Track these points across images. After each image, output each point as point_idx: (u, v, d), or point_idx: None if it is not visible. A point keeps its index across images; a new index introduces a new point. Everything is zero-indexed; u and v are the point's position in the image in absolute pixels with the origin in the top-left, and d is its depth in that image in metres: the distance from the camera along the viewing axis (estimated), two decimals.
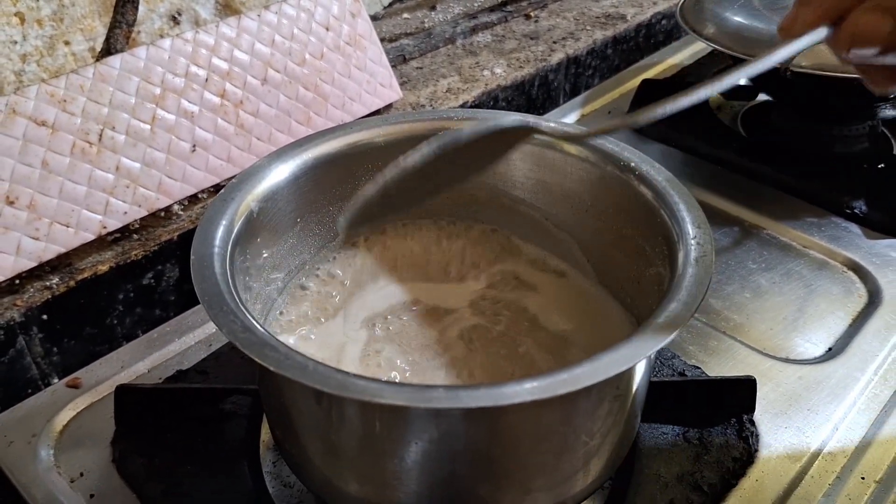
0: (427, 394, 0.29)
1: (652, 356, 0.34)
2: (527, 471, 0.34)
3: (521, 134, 0.38)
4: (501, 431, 0.32)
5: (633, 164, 0.41)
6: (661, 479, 0.42)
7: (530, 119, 0.40)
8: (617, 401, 0.34)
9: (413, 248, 0.49)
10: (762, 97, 0.77)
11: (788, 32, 0.36)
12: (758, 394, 0.48)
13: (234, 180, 0.40)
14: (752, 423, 0.46)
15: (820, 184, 0.65)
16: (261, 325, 0.32)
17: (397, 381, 0.40)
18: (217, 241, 0.36)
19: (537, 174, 0.45)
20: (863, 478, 0.45)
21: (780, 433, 0.47)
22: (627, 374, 0.33)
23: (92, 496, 0.44)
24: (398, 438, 0.32)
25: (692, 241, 0.36)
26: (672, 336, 0.30)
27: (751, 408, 0.46)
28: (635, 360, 0.29)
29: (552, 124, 0.41)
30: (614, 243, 0.43)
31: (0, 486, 0.45)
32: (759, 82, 0.69)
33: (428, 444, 0.32)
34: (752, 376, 0.46)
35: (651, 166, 0.41)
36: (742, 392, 0.46)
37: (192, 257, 0.35)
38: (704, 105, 0.76)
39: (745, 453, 0.45)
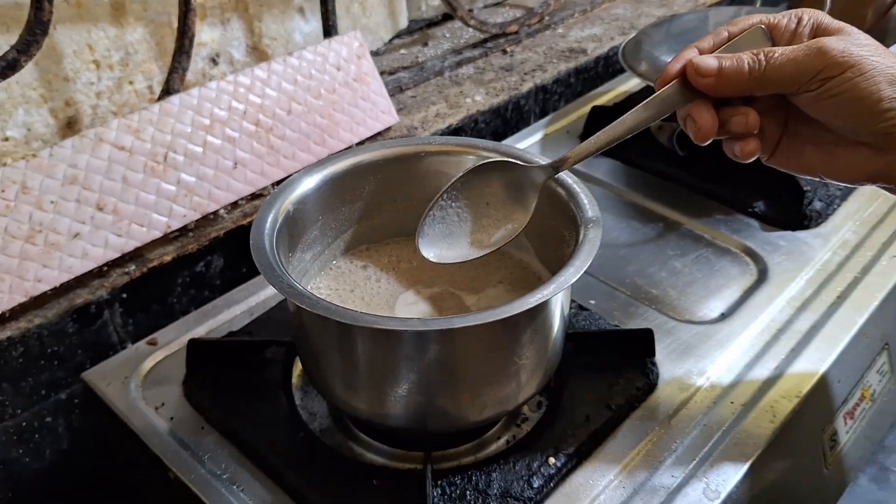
0: (409, 322, 0.46)
1: (553, 301, 0.50)
2: (476, 381, 0.51)
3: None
4: (457, 350, 0.49)
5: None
6: (583, 400, 0.59)
7: (510, 156, 0.57)
8: (536, 332, 0.50)
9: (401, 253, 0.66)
10: None
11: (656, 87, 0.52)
12: (662, 345, 0.65)
13: (276, 189, 0.57)
14: (654, 364, 0.63)
15: (729, 189, 0.82)
16: (298, 284, 0.49)
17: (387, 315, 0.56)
18: (266, 231, 0.53)
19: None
20: (731, 402, 0.61)
21: (675, 372, 0.63)
22: (537, 312, 0.49)
23: (171, 419, 0.60)
24: (389, 356, 0.48)
25: (589, 225, 0.52)
26: (561, 289, 0.47)
27: (651, 352, 0.62)
28: (534, 303, 0.46)
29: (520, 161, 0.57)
30: (546, 231, 0.59)
31: (105, 413, 0.62)
32: None
33: (409, 360, 0.48)
34: (650, 329, 0.62)
35: (566, 174, 0.57)
36: (644, 340, 0.62)
37: (251, 241, 0.52)
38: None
39: (646, 385, 0.61)
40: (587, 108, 0.95)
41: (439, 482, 0.53)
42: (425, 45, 1.08)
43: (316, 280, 0.61)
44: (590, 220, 0.52)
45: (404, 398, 0.51)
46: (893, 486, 0.81)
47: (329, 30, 0.87)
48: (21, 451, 0.68)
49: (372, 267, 0.64)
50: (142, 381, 0.63)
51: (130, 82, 0.81)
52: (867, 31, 1.23)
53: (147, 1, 0.79)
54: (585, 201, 0.54)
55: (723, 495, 0.54)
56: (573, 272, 0.48)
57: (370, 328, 0.46)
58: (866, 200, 0.81)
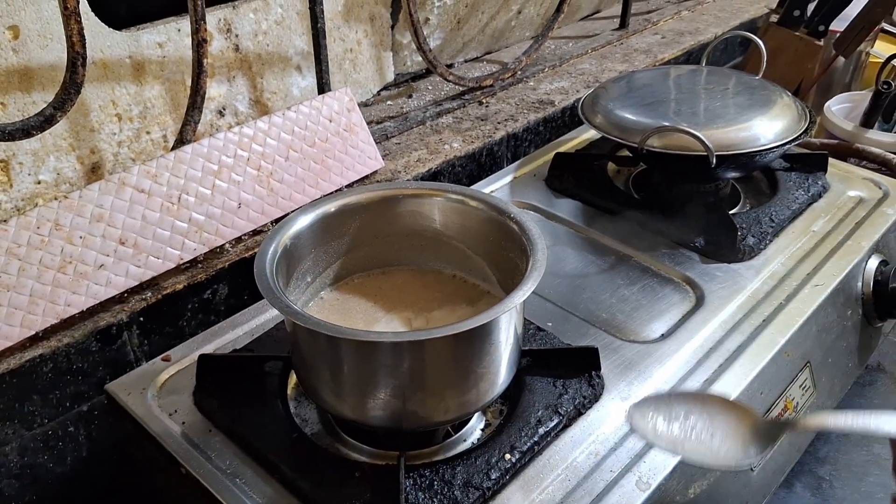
0: (384, 335, 0.57)
1: (503, 319, 0.60)
2: (441, 386, 0.61)
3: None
4: (425, 360, 0.59)
5: (507, 210, 0.69)
6: (535, 406, 0.69)
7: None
8: (491, 345, 0.61)
9: (382, 284, 0.76)
10: None
11: None
12: (608, 361, 0.74)
13: (275, 226, 0.67)
14: (599, 377, 0.73)
15: (674, 226, 0.92)
16: (294, 305, 0.59)
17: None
18: (267, 261, 0.63)
19: (460, 220, 0.73)
20: None
21: (619, 384, 0.73)
22: (490, 328, 0.59)
23: (183, 423, 0.70)
24: (369, 364, 0.59)
25: (537, 256, 0.63)
26: (510, 308, 0.57)
27: (597, 367, 0.72)
28: (484, 320, 0.56)
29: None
30: (504, 260, 0.70)
31: (127, 419, 0.72)
32: (635, 155, 0.96)
33: (385, 368, 0.59)
34: (595, 347, 0.72)
35: (519, 212, 0.68)
36: (590, 357, 0.72)
37: (255, 269, 0.62)
38: (602, 170, 1.04)
39: (592, 395, 0.71)
40: (551, 154, 1.06)
41: (411, 474, 0.63)
42: (409, 96, 1.20)
43: (309, 304, 0.71)
44: (537, 253, 0.63)
45: (382, 401, 0.61)
46: (826, 494, 0.90)
47: (323, 86, 0.98)
48: (46, 457, 0.78)
49: (355, 294, 0.74)
50: (158, 392, 0.73)
51: (147, 132, 0.92)
52: (812, 84, 1.39)
53: (163, 62, 0.90)
54: (534, 236, 0.65)
55: (653, 486, 0.64)
56: (516, 298, 0.58)
57: (353, 340, 0.57)
58: (795, 238, 0.92)
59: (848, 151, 1.22)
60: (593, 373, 0.72)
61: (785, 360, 0.79)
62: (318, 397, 0.65)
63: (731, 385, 0.73)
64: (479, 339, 0.60)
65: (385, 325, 0.71)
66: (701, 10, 1.65)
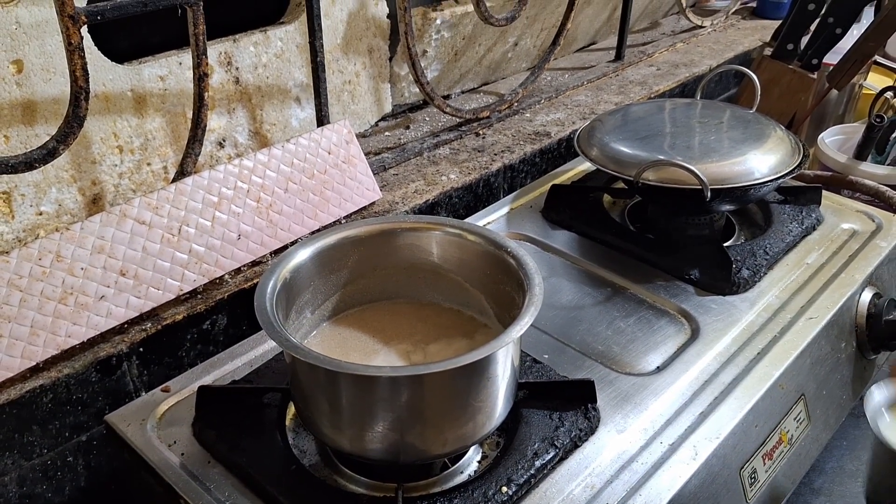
0: (382, 369, 0.57)
1: (500, 353, 0.61)
2: (439, 420, 0.61)
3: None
4: (423, 393, 0.59)
5: (505, 245, 0.70)
6: (532, 439, 0.69)
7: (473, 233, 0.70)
8: (488, 379, 0.61)
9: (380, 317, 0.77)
10: None
11: None
12: (604, 394, 0.75)
13: (275, 260, 0.68)
14: (596, 409, 0.73)
15: (670, 258, 0.93)
16: (293, 338, 0.60)
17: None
18: (267, 295, 0.64)
19: (458, 253, 0.74)
20: (661, 442, 0.71)
21: (614, 417, 0.74)
22: (487, 363, 0.60)
23: (182, 454, 0.70)
24: (367, 398, 0.59)
25: (534, 291, 0.64)
26: (507, 343, 0.58)
27: (593, 399, 0.73)
28: (483, 355, 0.57)
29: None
30: (501, 294, 0.70)
31: (126, 451, 0.72)
32: (631, 188, 0.97)
33: (383, 402, 0.59)
34: (592, 380, 0.73)
35: (516, 246, 0.69)
36: (586, 389, 0.73)
37: (255, 303, 0.63)
38: (598, 202, 1.05)
39: (588, 428, 0.72)
40: (548, 186, 1.08)
41: None
42: (407, 128, 1.21)
43: (308, 336, 0.72)
44: (534, 288, 0.64)
45: (380, 434, 0.61)
46: None
47: (322, 119, 1.00)
48: (45, 487, 0.78)
49: (354, 326, 0.75)
50: (157, 423, 0.74)
51: (148, 164, 0.93)
52: (806, 116, 1.40)
53: (165, 95, 0.92)
54: (531, 271, 0.66)
55: None
56: (513, 332, 0.59)
57: (352, 374, 0.57)
58: (789, 270, 0.93)
59: (841, 183, 1.24)
60: (589, 405, 0.73)
61: (779, 393, 0.79)
62: (316, 430, 0.66)
63: (727, 418, 0.73)
64: (477, 373, 0.60)
65: (383, 357, 0.71)
66: (696, 43, 1.67)
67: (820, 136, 1.35)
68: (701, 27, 1.74)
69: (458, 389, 0.60)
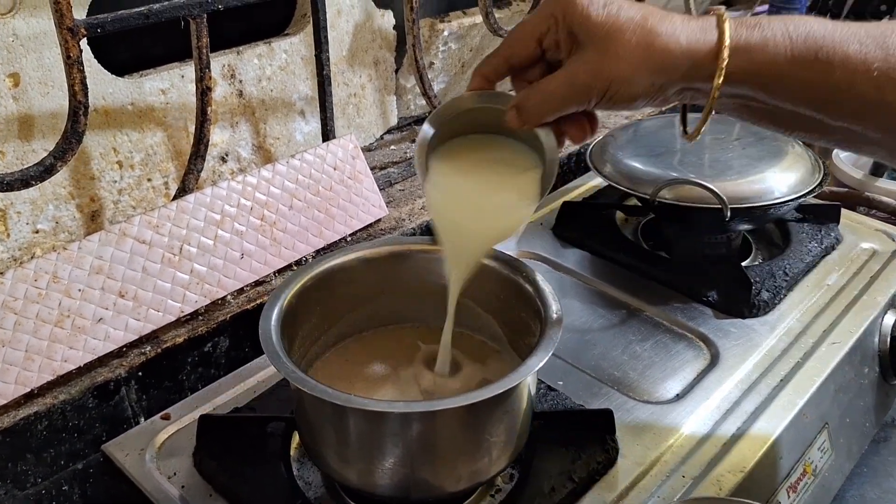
0: (394, 404, 0.54)
1: (518, 387, 0.58)
2: (453, 456, 0.58)
3: None
4: (436, 429, 0.57)
5: (521, 269, 0.67)
6: (548, 472, 0.66)
7: None
8: (505, 413, 0.58)
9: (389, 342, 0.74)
10: None
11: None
12: (622, 423, 0.72)
13: (279, 285, 0.65)
14: (614, 440, 0.70)
15: (686, 279, 0.91)
16: (300, 370, 0.57)
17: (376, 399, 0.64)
18: (272, 323, 0.61)
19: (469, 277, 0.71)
20: (683, 476, 0.68)
21: (633, 448, 0.71)
22: (504, 397, 0.57)
23: (183, 487, 0.67)
24: (377, 433, 0.56)
25: (552, 320, 0.61)
26: (526, 376, 0.55)
27: (611, 431, 0.70)
28: (500, 390, 0.54)
29: None
30: (515, 319, 0.67)
31: (124, 481, 0.69)
32: (646, 206, 0.94)
33: (394, 437, 0.56)
34: (610, 409, 0.70)
35: (533, 271, 0.66)
36: (604, 420, 0.70)
37: (260, 332, 0.60)
38: (611, 220, 1.02)
39: (606, 460, 0.69)
40: (560, 202, 1.05)
41: None
42: (413, 141, 1.19)
43: (314, 363, 0.69)
44: (552, 317, 0.61)
45: (390, 470, 0.58)
46: None
47: (327, 133, 0.97)
48: None
49: (362, 352, 0.72)
50: (156, 453, 0.71)
51: (149, 180, 0.90)
52: None
53: (166, 108, 0.89)
54: (550, 298, 0.63)
55: None
56: (532, 364, 0.56)
57: (361, 409, 0.54)
58: (809, 292, 0.90)
59: (857, 200, 1.21)
60: (607, 436, 0.70)
61: (804, 422, 0.76)
62: (323, 463, 0.63)
63: (751, 450, 0.70)
64: (494, 407, 0.57)
65: (392, 385, 0.69)
66: None
67: (834, 152, 1.32)
68: None
69: (473, 425, 0.57)
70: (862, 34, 0.50)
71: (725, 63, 0.50)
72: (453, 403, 0.53)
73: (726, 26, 0.51)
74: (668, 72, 0.52)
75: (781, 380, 0.79)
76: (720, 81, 0.51)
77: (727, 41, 0.50)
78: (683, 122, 0.63)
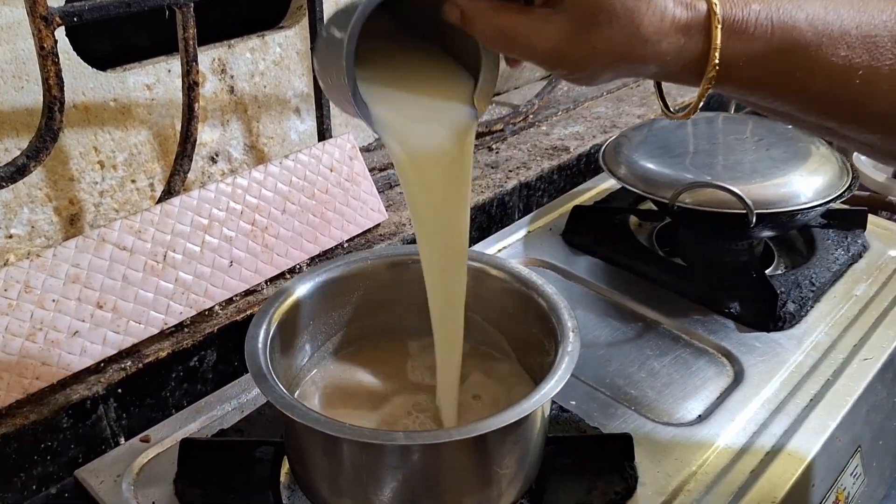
0: (393, 435, 0.48)
1: (532, 415, 0.52)
2: (458, 490, 0.53)
3: None
4: (440, 462, 0.51)
5: (533, 283, 0.61)
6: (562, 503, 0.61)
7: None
8: (516, 443, 0.53)
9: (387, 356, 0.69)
10: None
11: None
12: (641, 447, 0.66)
13: (269, 297, 0.60)
14: (633, 467, 0.64)
15: (706, 289, 0.85)
16: (288, 394, 0.51)
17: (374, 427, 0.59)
18: (260, 341, 0.55)
19: (476, 289, 0.65)
20: None
21: (654, 475, 0.65)
22: (516, 426, 0.51)
23: None
24: (374, 465, 0.51)
25: (569, 340, 0.55)
26: (534, 409, 0.49)
27: (630, 457, 0.64)
28: (512, 419, 0.48)
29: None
30: (525, 336, 0.62)
31: None
32: (663, 210, 0.89)
33: (393, 470, 0.50)
34: (629, 434, 0.64)
35: (546, 284, 0.60)
36: (622, 445, 0.64)
37: (245, 350, 0.54)
38: (625, 225, 0.97)
39: (625, 489, 0.63)
40: (570, 206, 0.99)
41: None
42: None
43: (306, 380, 0.63)
44: (568, 336, 0.55)
45: (388, 502, 0.52)
46: None
47: (323, 132, 0.91)
48: None
49: (358, 367, 0.67)
50: (134, 479, 0.65)
51: (133, 181, 0.85)
52: None
53: (152, 105, 0.83)
54: (566, 317, 0.57)
55: None
56: (546, 393, 0.50)
57: (358, 441, 0.48)
58: (837, 303, 0.85)
59: (880, 204, 1.15)
60: (626, 463, 0.64)
61: (836, 446, 0.71)
62: (314, 495, 0.57)
63: (782, 477, 0.65)
64: (504, 438, 0.52)
65: (391, 405, 0.63)
66: None
67: (855, 154, 1.26)
68: None
69: (481, 456, 0.52)
70: (853, 34, 0.44)
71: (713, 75, 0.44)
72: (459, 435, 0.48)
73: (717, 32, 0.44)
74: (642, 73, 0.46)
75: (811, 399, 0.73)
76: (707, 87, 0.45)
77: (716, 44, 0.44)
78: (662, 98, 0.56)
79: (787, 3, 0.44)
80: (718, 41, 0.43)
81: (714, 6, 0.43)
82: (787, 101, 0.47)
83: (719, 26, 0.43)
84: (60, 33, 0.70)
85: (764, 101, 0.47)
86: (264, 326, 0.57)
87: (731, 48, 0.44)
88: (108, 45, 0.82)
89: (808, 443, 0.68)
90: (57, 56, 0.66)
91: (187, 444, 0.64)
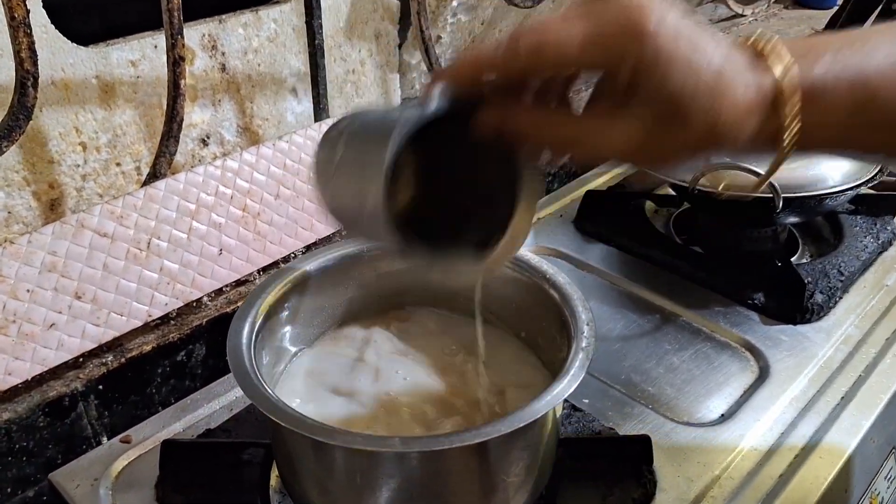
0: (389, 442, 0.43)
1: (545, 418, 0.48)
2: (460, 500, 0.48)
3: None
4: (439, 469, 0.46)
5: (546, 274, 0.56)
6: None
7: None
8: (525, 448, 0.48)
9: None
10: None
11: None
12: (660, 450, 0.61)
13: (255, 289, 0.55)
14: (651, 472, 0.60)
15: (727, 278, 0.80)
16: (274, 395, 0.46)
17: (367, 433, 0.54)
18: (244, 336, 0.51)
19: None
20: None
21: (674, 480, 0.60)
22: (525, 430, 0.46)
23: None
24: (368, 473, 0.46)
25: (583, 335, 0.50)
26: (545, 411, 0.44)
27: (649, 461, 0.59)
28: (521, 423, 0.43)
29: None
30: (534, 330, 0.57)
31: None
32: (681, 195, 0.83)
33: (389, 478, 0.46)
34: (648, 436, 0.59)
35: (558, 274, 0.55)
36: (640, 448, 0.59)
37: (227, 347, 0.49)
38: (640, 211, 0.91)
39: (643, 495, 0.58)
40: (582, 191, 0.94)
41: None
42: None
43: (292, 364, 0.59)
44: (583, 331, 0.50)
45: None
46: None
47: (320, 113, 0.86)
48: None
49: (353, 353, 0.62)
50: (112, 484, 0.60)
51: (118, 164, 0.80)
52: None
53: (137, 83, 0.78)
54: (580, 311, 0.52)
55: None
56: (558, 394, 0.45)
57: (349, 449, 0.44)
58: (867, 294, 0.79)
59: None
60: (644, 467, 0.59)
61: (870, 448, 0.65)
62: (303, 501, 0.52)
63: (814, 482, 0.60)
64: (511, 443, 0.47)
65: (386, 394, 0.58)
66: (736, 32, 1.53)
67: None
68: (742, 16, 1.59)
69: (486, 464, 0.47)
70: None
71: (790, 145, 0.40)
72: (461, 441, 0.43)
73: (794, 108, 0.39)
74: (720, 155, 0.41)
75: (843, 397, 0.68)
76: (784, 157, 0.40)
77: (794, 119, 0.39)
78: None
79: (857, 52, 0.40)
80: (797, 116, 0.39)
81: (789, 71, 0.38)
82: (872, 152, 0.45)
83: (798, 105, 0.38)
84: (35, 3, 0.65)
85: (847, 156, 0.48)
86: (249, 320, 0.52)
87: (808, 115, 0.39)
88: (94, 24, 0.77)
89: (841, 444, 0.63)
90: (29, 27, 0.61)
91: (169, 446, 0.59)
